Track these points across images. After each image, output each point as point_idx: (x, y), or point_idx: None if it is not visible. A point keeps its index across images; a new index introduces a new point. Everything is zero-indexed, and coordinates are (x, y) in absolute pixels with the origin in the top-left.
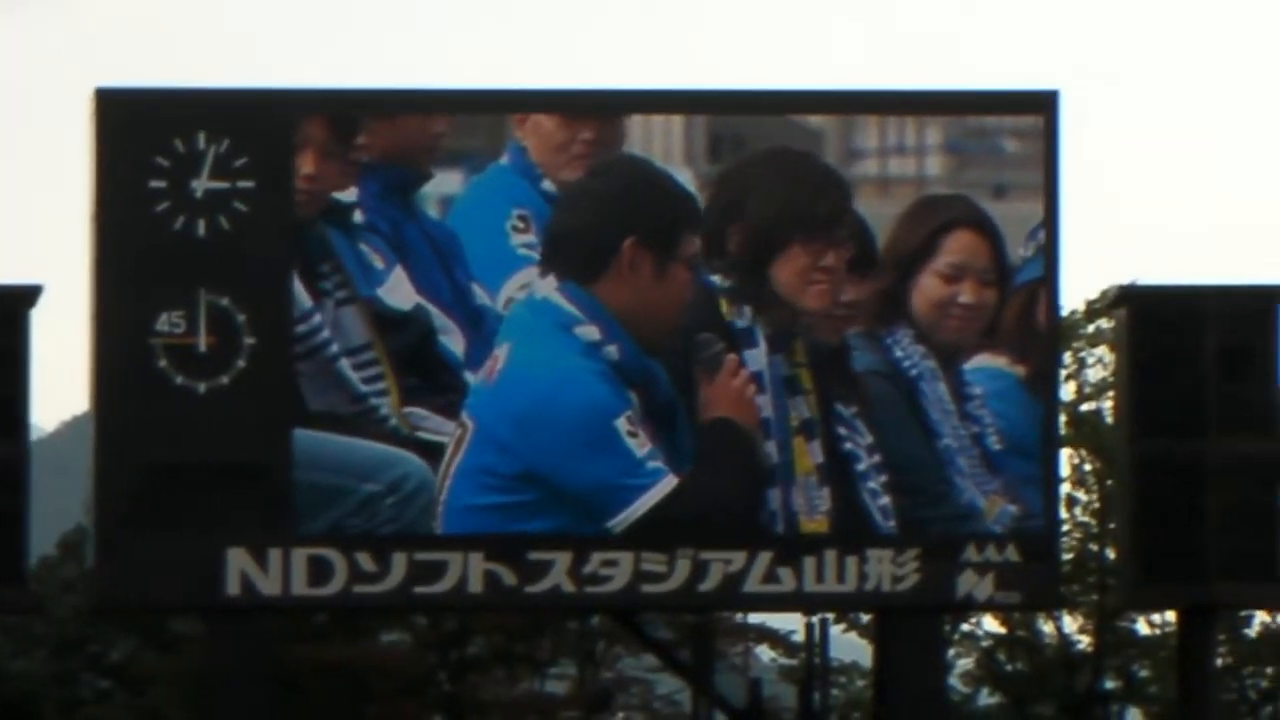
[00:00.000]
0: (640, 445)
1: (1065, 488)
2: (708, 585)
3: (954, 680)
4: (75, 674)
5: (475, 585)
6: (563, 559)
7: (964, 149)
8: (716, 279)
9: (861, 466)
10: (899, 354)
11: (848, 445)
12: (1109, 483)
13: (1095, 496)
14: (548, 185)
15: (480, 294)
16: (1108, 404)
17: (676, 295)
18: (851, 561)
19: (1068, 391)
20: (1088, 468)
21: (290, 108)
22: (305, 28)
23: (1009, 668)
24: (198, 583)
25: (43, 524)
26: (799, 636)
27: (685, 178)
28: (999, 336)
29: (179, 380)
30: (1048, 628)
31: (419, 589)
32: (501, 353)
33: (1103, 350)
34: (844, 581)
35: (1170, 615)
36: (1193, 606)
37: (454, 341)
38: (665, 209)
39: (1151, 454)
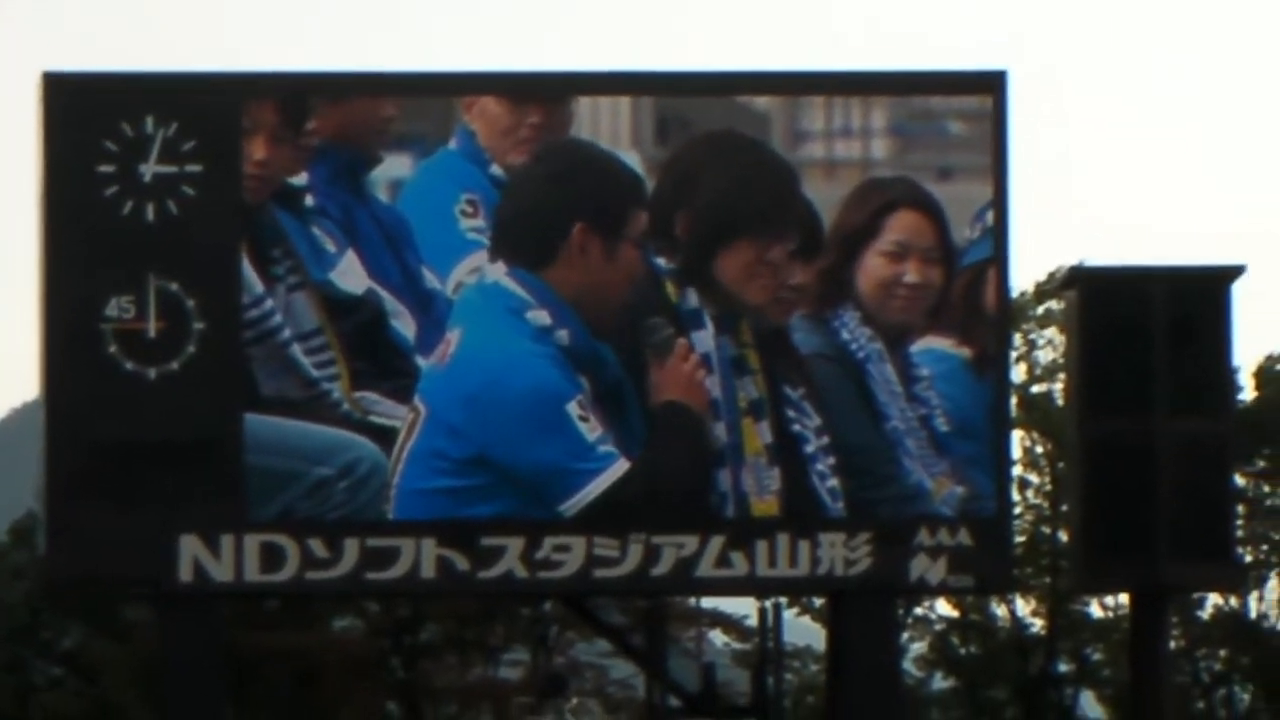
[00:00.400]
0: (591, 429)
1: (1017, 470)
2: (660, 570)
3: (908, 664)
4: (27, 661)
5: (428, 571)
6: (515, 544)
7: (909, 131)
8: (662, 261)
9: (810, 448)
10: (846, 336)
11: (796, 427)
12: (1060, 465)
13: (1047, 479)
14: (496, 170)
15: (430, 278)
16: (1058, 386)
17: (625, 275)
18: (804, 545)
19: (1018, 373)
20: (1039, 450)
21: (238, 91)
22: (255, 11)
23: (962, 651)
24: (150, 570)
25: None
26: (752, 621)
27: (633, 160)
28: (945, 318)
29: (129, 366)
30: (1001, 611)
31: (371, 575)
32: (453, 337)
33: (1052, 332)
34: (796, 565)
35: (1123, 598)
36: (1144, 589)
37: (405, 325)
38: (612, 190)
39: (1101, 436)
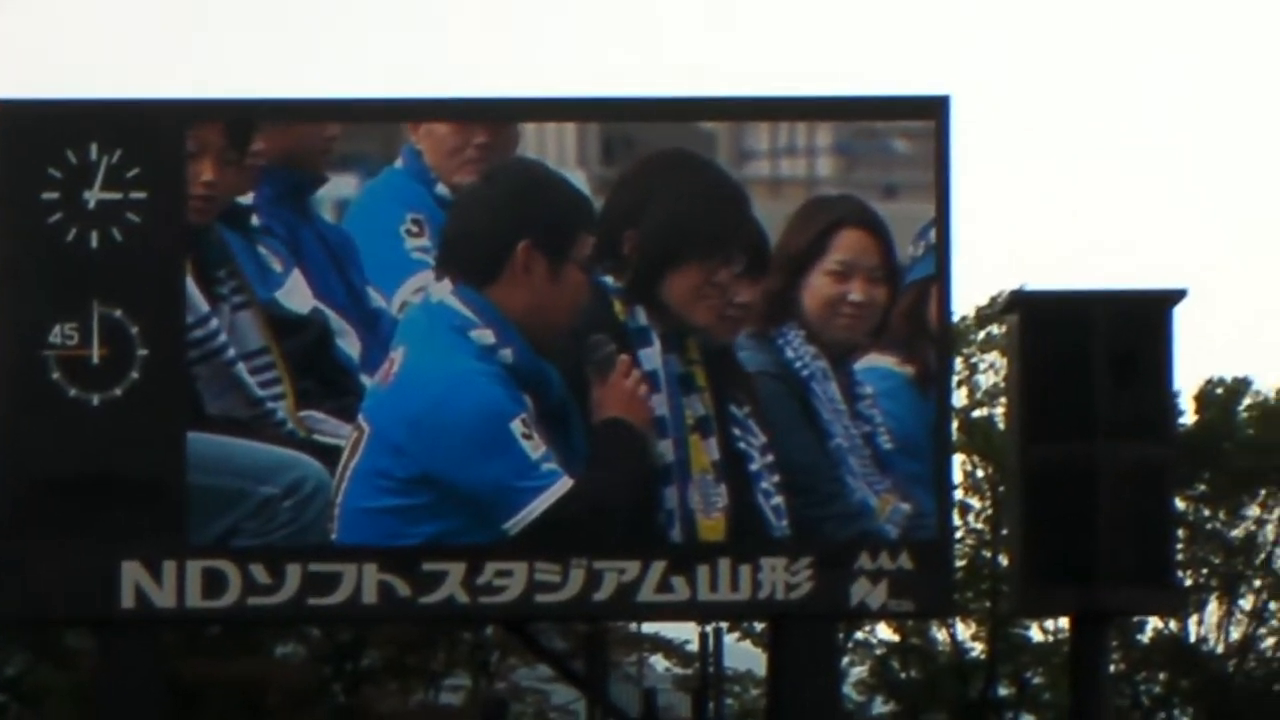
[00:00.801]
0: (535, 447)
1: (958, 494)
2: (601, 595)
3: (848, 688)
4: None
5: (369, 596)
6: (456, 570)
7: (854, 150)
8: (609, 279)
9: (754, 466)
10: (790, 354)
11: (741, 445)
12: (1001, 489)
13: (988, 503)
14: (442, 189)
15: (376, 297)
16: (999, 410)
17: (570, 297)
18: (745, 570)
19: (959, 397)
20: (980, 474)
21: (183, 118)
22: (200, 36)
23: (903, 675)
24: (92, 595)
25: None
26: (693, 646)
27: (579, 179)
28: (888, 336)
29: (72, 392)
30: (941, 635)
31: (313, 601)
32: (397, 355)
33: (994, 356)
34: (738, 590)
35: (1063, 621)
36: (1084, 612)
37: (350, 344)
38: (558, 211)
39: (1042, 460)
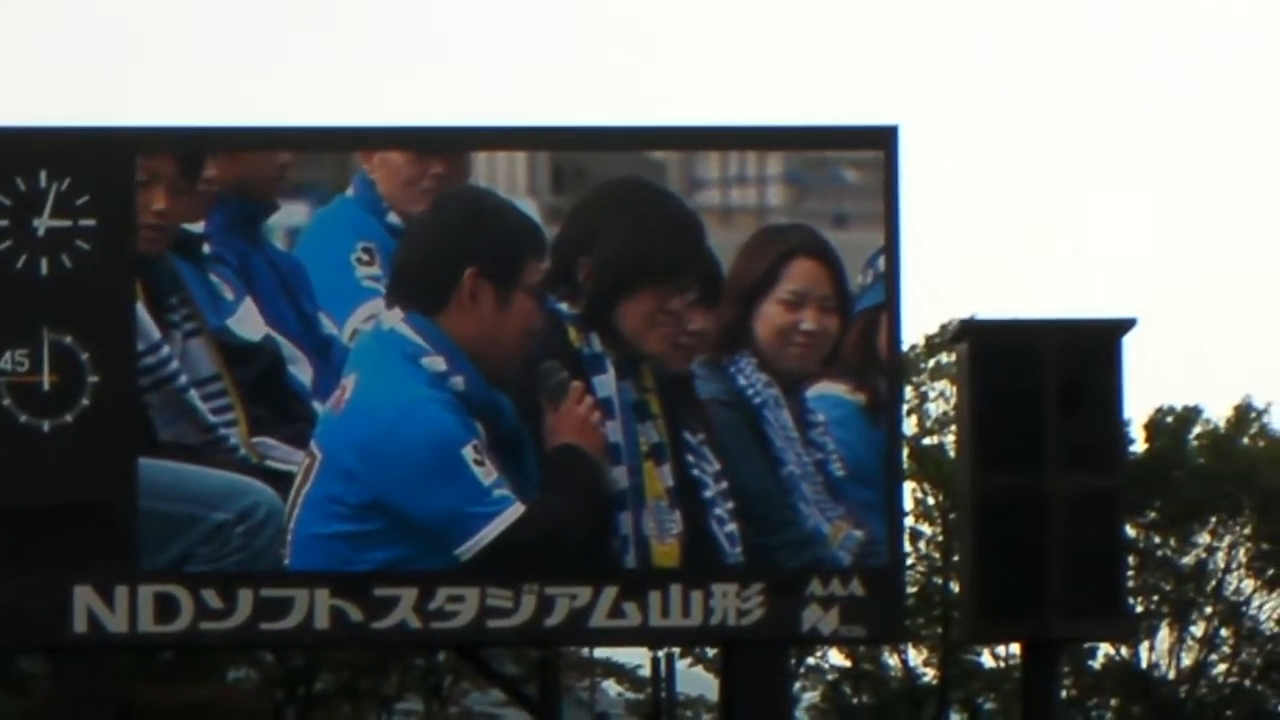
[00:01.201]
0: (487, 474)
1: (909, 521)
2: (553, 620)
3: (800, 713)
4: None
5: (321, 621)
6: (408, 595)
7: (804, 179)
8: (564, 306)
9: (709, 494)
10: (742, 382)
11: (695, 472)
12: (952, 516)
13: (939, 530)
14: (393, 218)
15: (327, 324)
16: (949, 438)
17: (520, 323)
18: (697, 595)
19: (909, 426)
20: (931, 501)
21: (132, 145)
22: (150, 63)
23: (855, 701)
24: (44, 621)
25: None
26: (645, 671)
27: (530, 208)
28: (839, 364)
29: (23, 419)
30: (893, 661)
31: (265, 625)
32: (349, 382)
33: (944, 384)
34: (690, 616)
35: (1014, 647)
36: (1036, 639)
37: (302, 371)
38: (506, 238)
39: (993, 488)
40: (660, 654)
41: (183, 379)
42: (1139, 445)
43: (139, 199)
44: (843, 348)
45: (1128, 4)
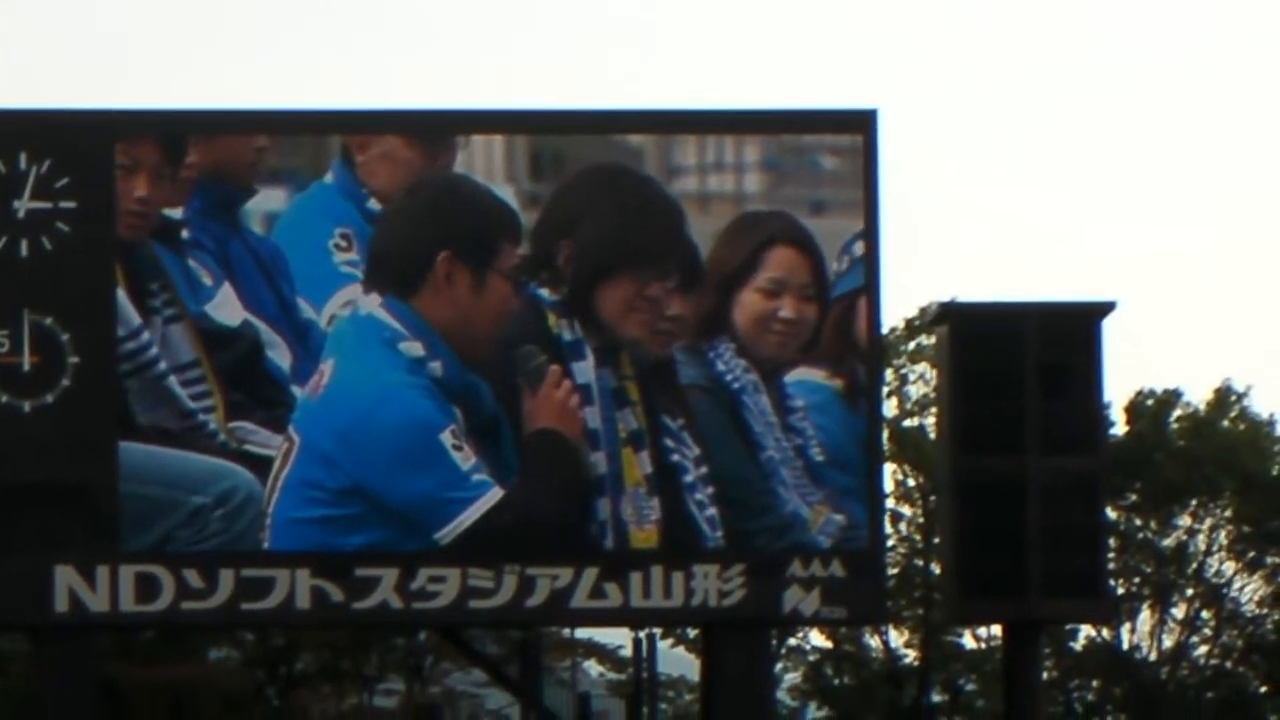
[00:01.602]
0: (465, 458)
1: (889, 503)
2: (535, 600)
3: (781, 694)
4: None
5: (302, 601)
6: (390, 575)
7: (782, 166)
8: (544, 292)
9: (689, 478)
10: (721, 367)
11: (675, 457)
12: (932, 498)
13: (919, 512)
14: (372, 204)
15: (306, 308)
16: (930, 420)
17: (496, 307)
18: (678, 577)
19: (889, 408)
20: (911, 483)
21: (112, 128)
22: (131, 45)
23: (836, 682)
24: (26, 601)
25: None
26: (627, 651)
27: (507, 194)
28: (817, 350)
29: (3, 399)
30: (874, 642)
31: (246, 605)
32: (327, 367)
33: (924, 367)
34: (671, 597)
35: (996, 629)
36: (1017, 621)
37: (281, 356)
38: (480, 222)
39: (973, 470)
40: (642, 634)
41: (162, 365)
42: (1120, 428)
43: (121, 185)
44: (821, 334)
45: None
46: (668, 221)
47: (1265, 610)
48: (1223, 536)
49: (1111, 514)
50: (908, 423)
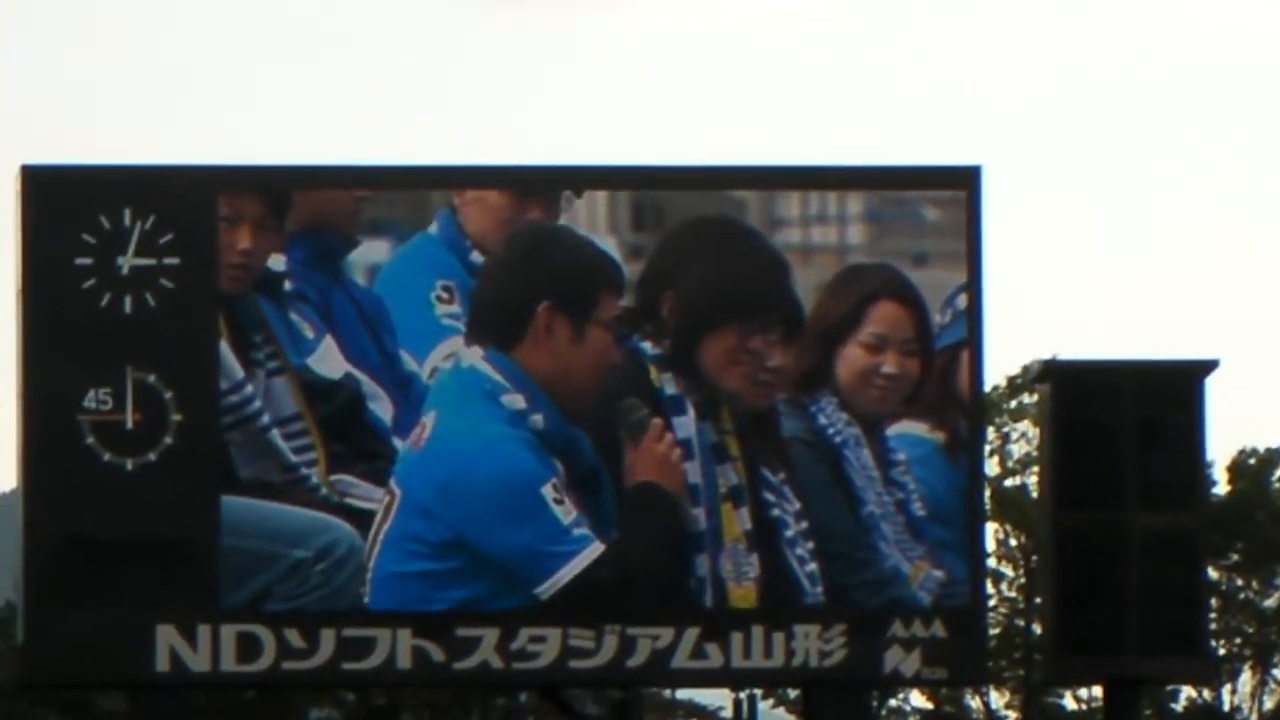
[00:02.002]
0: (566, 512)
1: (991, 562)
2: (635, 660)
3: None
4: None
5: (403, 661)
6: (490, 635)
7: (885, 218)
8: (647, 345)
9: (789, 533)
10: (823, 421)
11: (775, 511)
12: (1034, 558)
13: (1021, 572)
14: (475, 256)
15: (409, 360)
16: (1032, 479)
17: (596, 358)
18: (779, 637)
19: (991, 467)
20: (1013, 543)
21: (215, 184)
22: (233, 102)
23: None
24: (127, 659)
25: None
26: (727, 711)
27: (609, 245)
28: (920, 403)
29: (106, 457)
30: (975, 703)
31: (347, 665)
32: (429, 420)
33: (1026, 425)
34: (771, 657)
35: (1096, 690)
36: (1117, 681)
37: (383, 408)
38: (580, 272)
39: (1074, 528)
40: (742, 695)
41: (265, 418)
42: (1222, 487)
43: (224, 237)
44: (924, 388)
45: (1208, 49)
46: (772, 274)
47: None
48: None
49: (1213, 574)
50: (1009, 481)
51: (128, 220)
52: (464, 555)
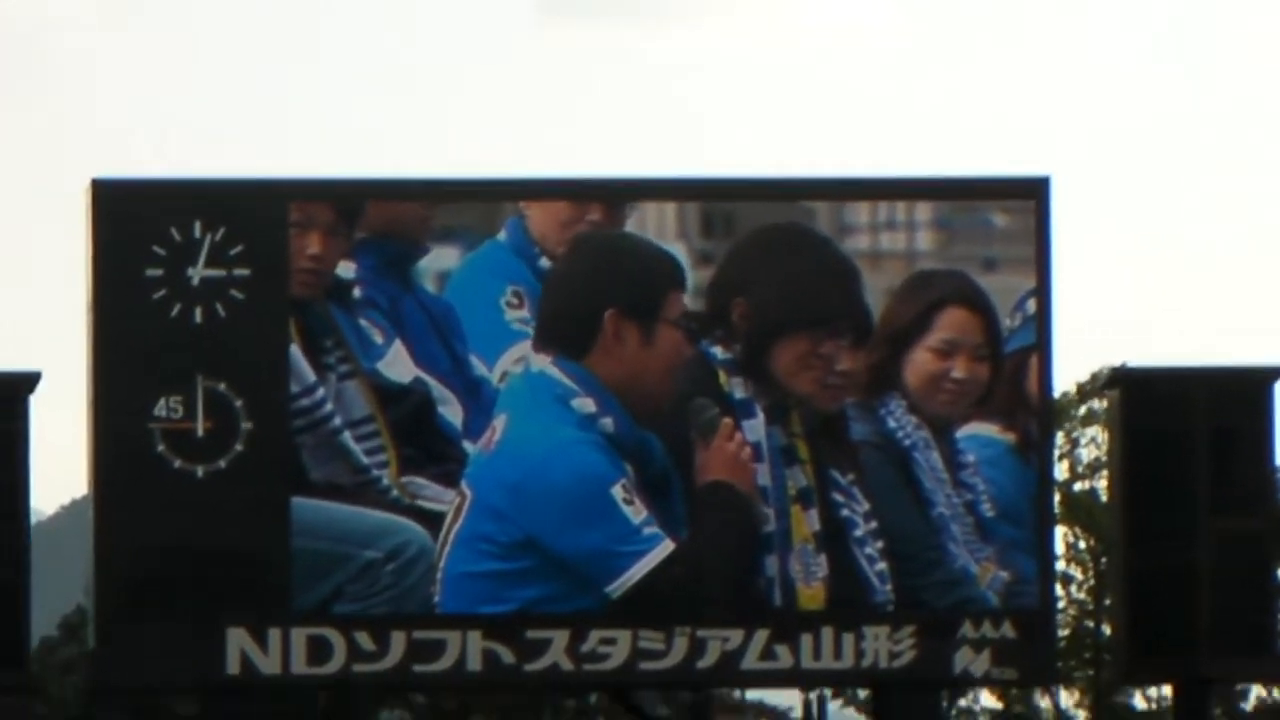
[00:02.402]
0: (636, 512)
1: (1060, 565)
2: (705, 662)
3: None
4: None
5: (474, 663)
6: (560, 637)
7: (953, 224)
8: (717, 350)
9: (859, 532)
10: (892, 424)
11: (844, 512)
12: (1103, 561)
13: (1090, 574)
14: (544, 263)
15: (478, 365)
16: (1101, 484)
17: (667, 358)
18: (848, 638)
19: (1061, 471)
20: (1082, 545)
21: (285, 196)
22: (303, 113)
23: None
24: (198, 663)
25: (42, 606)
26: (797, 713)
27: (678, 251)
28: (991, 405)
29: (177, 464)
30: (1044, 703)
31: (418, 667)
32: (499, 423)
33: (1095, 430)
34: (841, 658)
35: (1166, 690)
36: (1187, 680)
37: (453, 412)
38: (643, 275)
39: (1143, 530)
40: (812, 696)
41: (336, 420)
42: None
43: (294, 243)
44: (994, 391)
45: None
46: (844, 281)
47: None
48: None
49: None
50: (1078, 486)
51: (198, 232)
52: (534, 555)
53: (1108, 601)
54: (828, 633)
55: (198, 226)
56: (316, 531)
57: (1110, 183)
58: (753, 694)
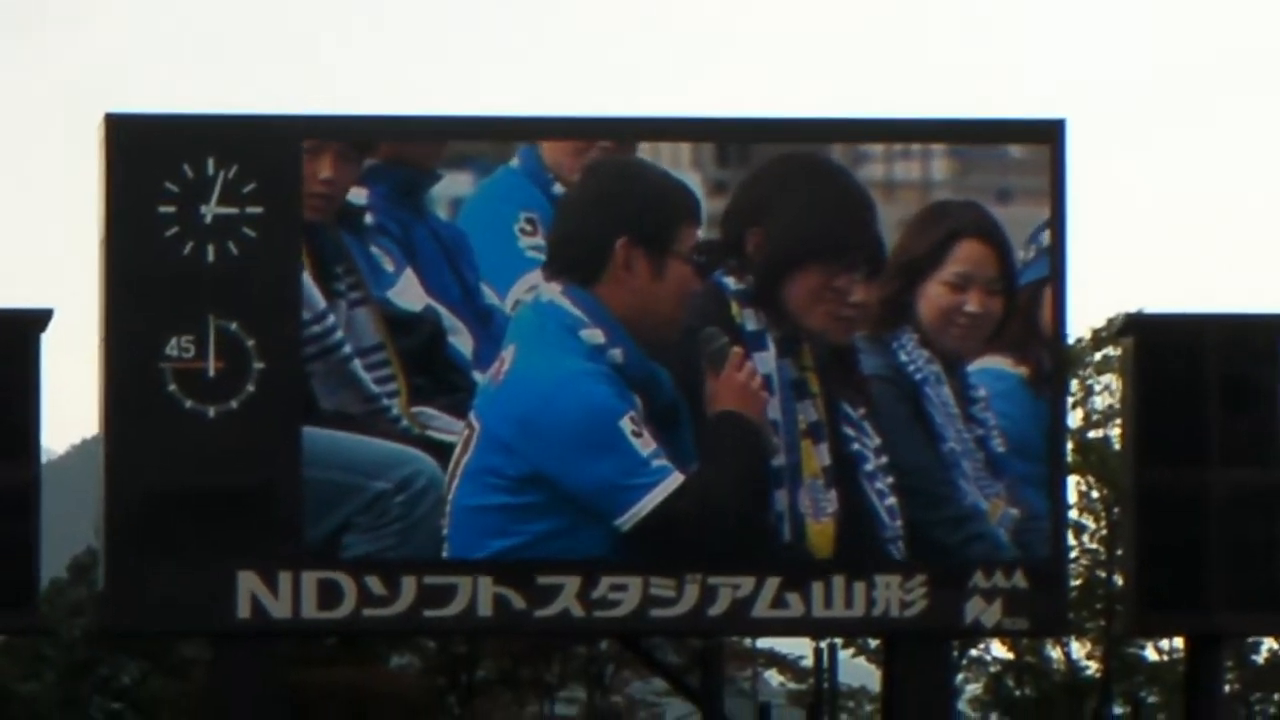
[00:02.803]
0: (645, 444)
1: (1072, 514)
2: (716, 610)
3: (962, 705)
4: (85, 697)
5: (484, 609)
6: (571, 583)
7: (969, 154)
8: (730, 280)
9: (869, 466)
10: (904, 358)
11: (855, 446)
12: (1115, 510)
13: (1103, 524)
14: (558, 189)
15: (489, 294)
16: (1115, 431)
17: (676, 291)
18: (859, 587)
19: (1074, 419)
20: (1095, 495)
21: (299, 134)
22: (316, 49)
23: (1017, 693)
24: (208, 606)
25: (52, 546)
26: (807, 661)
27: (692, 181)
28: (1003, 340)
29: (188, 404)
30: (1055, 653)
31: (428, 612)
32: (508, 354)
33: (1110, 378)
34: (852, 607)
35: (1178, 641)
36: (1199, 633)
37: (463, 342)
38: (656, 205)
39: (1155, 482)
40: (822, 645)
41: (347, 348)
42: None
43: (306, 167)
44: (1006, 324)
45: None
46: (860, 214)
47: None
48: None
49: None
50: (1092, 434)
51: (211, 169)
52: (543, 489)
53: (1120, 552)
54: (839, 581)
55: (211, 163)
56: (327, 461)
57: (1128, 127)
58: (763, 642)
